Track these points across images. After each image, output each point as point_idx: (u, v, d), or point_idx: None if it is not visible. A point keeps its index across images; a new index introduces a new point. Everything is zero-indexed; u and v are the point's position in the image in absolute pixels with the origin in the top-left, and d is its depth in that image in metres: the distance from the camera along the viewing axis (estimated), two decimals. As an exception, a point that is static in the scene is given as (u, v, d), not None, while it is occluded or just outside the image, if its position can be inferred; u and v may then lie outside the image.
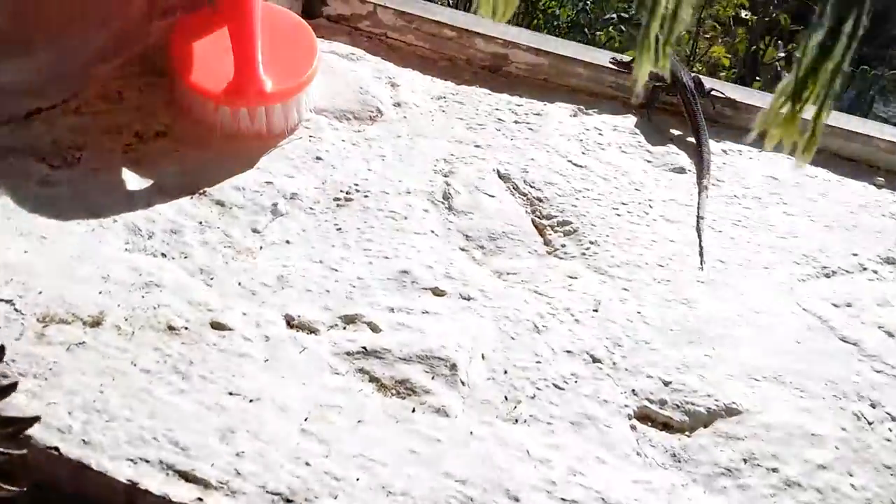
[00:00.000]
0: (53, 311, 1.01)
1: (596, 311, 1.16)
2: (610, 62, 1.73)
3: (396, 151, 1.45)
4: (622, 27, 4.85)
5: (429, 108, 1.59)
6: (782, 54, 5.07)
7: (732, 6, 4.74)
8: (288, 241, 1.20)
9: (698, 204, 1.42)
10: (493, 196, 1.38)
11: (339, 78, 1.59)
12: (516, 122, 1.59)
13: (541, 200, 1.38)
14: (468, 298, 1.15)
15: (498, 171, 1.44)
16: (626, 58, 1.76)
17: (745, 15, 4.83)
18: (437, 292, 1.15)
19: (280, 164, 1.35)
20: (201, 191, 1.25)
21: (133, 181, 1.25)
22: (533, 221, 1.35)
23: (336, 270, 1.15)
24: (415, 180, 1.38)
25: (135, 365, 0.96)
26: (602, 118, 1.64)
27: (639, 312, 1.17)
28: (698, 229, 1.36)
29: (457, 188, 1.37)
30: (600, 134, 1.59)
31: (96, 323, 1.01)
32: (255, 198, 1.26)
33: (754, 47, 4.87)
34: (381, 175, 1.38)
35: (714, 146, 1.58)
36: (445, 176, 1.41)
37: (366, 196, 1.32)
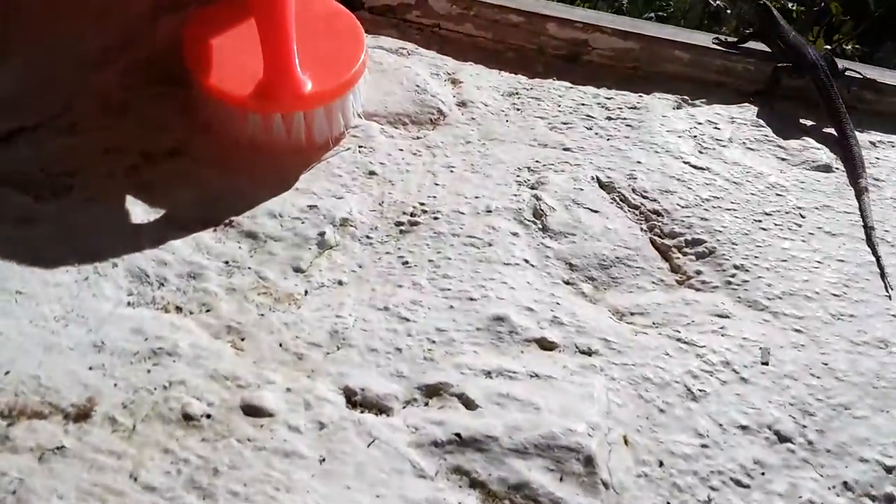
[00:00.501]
0: (24, 401, 0.72)
1: (766, 363, 0.84)
2: (714, 42, 1.41)
3: (468, 161, 1.14)
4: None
5: (500, 107, 1.28)
6: (827, 47, 4.69)
7: None
8: (341, 282, 0.89)
9: (861, 210, 1.09)
10: (596, 211, 1.06)
11: (390, 76, 1.29)
12: (609, 118, 1.27)
13: (659, 214, 1.06)
14: (589, 352, 0.83)
15: (598, 179, 1.12)
16: (731, 38, 1.44)
17: (792, 6, 4.46)
18: (546, 345, 0.84)
19: (325, 182, 1.05)
20: (227, 221, 0.96)
21: (139, 213, 0.96)
22: (653, 242, 1.03)
23: (407, 320, 0.84)
24: (496, 195, 1.07)
25: (135, 479, 0.66)
26: (714, 109, 1.31)
27: (825, 364, 0.85)
28: (871, 244, 1.03)
29: (549, 203, 1.06)
30: (716, 128, 1.26)
31: (83, 415, 0.71)
32: (295, 226, 0.95)
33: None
34: (452, 191, 1.07)
35: (860, 137, 1.25)
36: (533, 188, 1.10)
37: (435, 218, 1.02)
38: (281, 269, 0.89)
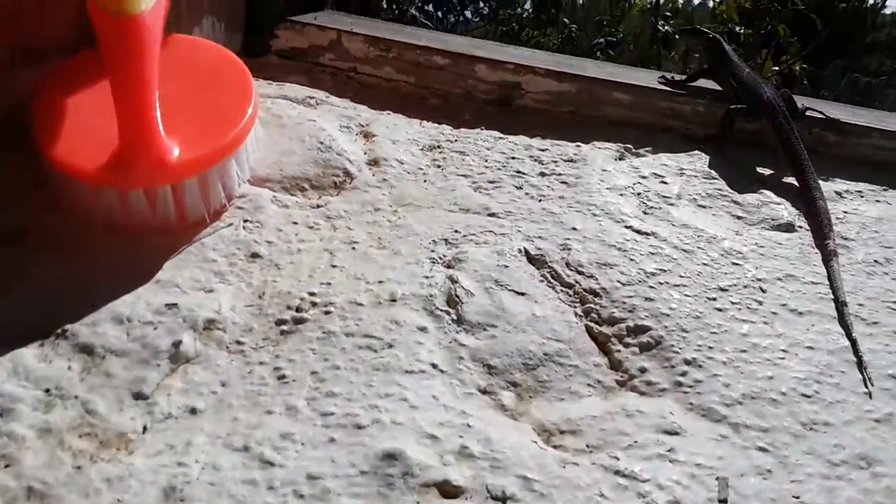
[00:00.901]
0: None
1: (723, 501, 0.66)
2: (660, 82, 1.25)
3: (375, 234, 0.96)
4: (610, 51, 4.43)
5: (418, 165, 1.11)
6: (776, 68, 4.63)
7: (722, 20, 4.29)
8: (194, 410, 0.70)
9: (831, 280, 0.93)
10: (522, 293, 0.88)
11: (291, 132, 1.11)
12: (542, 173, 1.11)
13: (596, 294, 0.89)
14: (503, 499, 0.65)
15: (526, 252, 0.95)
16: (678, 76, 1.28)
17: (739, 30, 4.39)
18: (449, 491, 0.65)
19: (194, 270, 0.86)
20: (60, 330, 0.76)
21: (-53, 324, 0.76)
22: (589, 330, 0.85)
23: (271, 464, 0.65)
24: (404, 278, 0.89)
25: None
26: (661, 159, 1.15)
27: (796, 498, 0.67)
28: (844, 324, 0.86)
29: (467, 286, 0.88)
30: (663, 182, 1.10)
31: None
32: (145, 335, 0.76)
33: (750, 62, 4.41)
34: (352, 274, 0.89)
35: (824, 187, 1.09)
36: (449, 266, 0.92)
37: (327, 312, 0.83)
38: (117, 398, 0.70)
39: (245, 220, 0.96)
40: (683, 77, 1.27)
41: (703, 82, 1.28)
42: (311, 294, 0.85)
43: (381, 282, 0.88)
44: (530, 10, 4.55)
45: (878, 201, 1.09)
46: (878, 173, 1.15)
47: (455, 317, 0.84)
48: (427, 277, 0.89)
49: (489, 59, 1.27)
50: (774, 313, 0.87)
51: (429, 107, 1.28)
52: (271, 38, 1.35)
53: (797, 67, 3.95)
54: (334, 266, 0.90)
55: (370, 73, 1.32)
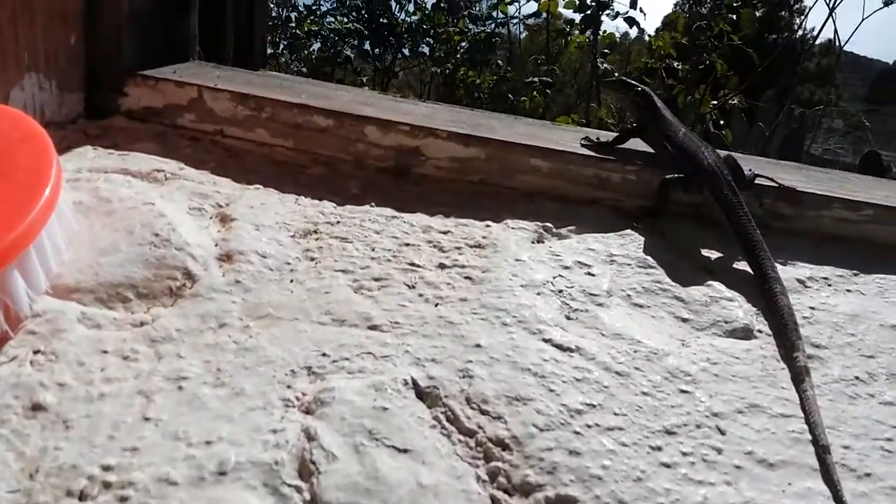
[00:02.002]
0: None
1: None
2: (582, 144, 1.04)
3: (213, 363, 0.71)
4: (547, 91, 4.30)
5: (286, 258, 0.86)
6: (714, 102, 4.58)
7: (659, 55, 4.20)
8: None
9: (805, 412, 0.71)
10: (405, 451, 0.64)
11: (119, 221, 0.86)
12: (442, 265, 0.87)
13: (506, 447, 0.66)
14: None
15: (414, 383, 0.71)
16: (604, 135, 1.07)
17: (676, 65, 4.31)
18: None
19: (-67, 443, 0.60)
20: None
21: None
22: (494, 501, 0.62)
23: None
24: (243, 435, 0.64)
25: None
26: (586, 241, 0.93)
27: None
28: (829, 479, 0.65)
29: (329, 443, 0.63)
30: (590, 273, 0.88)
31: None
32: None
33: (690, 97, 4.33)
34: (169, 431, 0.64)
35: (783, 273, 0.89)
36: (308, 412, 0.67)
37: (123, 499, 0.58)
38: None
39: (35, 352, 0.70)
40: (610, 138, 1.06)
41: (635, 142, 1.08)
42: (106, 468, 0.60)
43: (208, 442, 0.63)
44: (465, 50, 4.40)
45: (848, 290, 0.89)
46: (845, 253, 0.96)
47: (308, 496, 0.59)
48: (275, 432, 0.64)
49: (380, 120, 1.04)
50: (738, 467, 0.65)
51: (309, 178, 1.04)
52: (120, 95, 1.10)
53: (735, 101, 3.87)
54: (147, 419, 0.65)
55: (240, 136, 1.08)
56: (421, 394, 0.70)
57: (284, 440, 0.64)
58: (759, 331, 0.81)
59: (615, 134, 1.08)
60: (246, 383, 0.69)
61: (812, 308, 0.86)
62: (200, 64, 1.19)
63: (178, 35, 1.17)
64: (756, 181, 0.99)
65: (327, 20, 4.78)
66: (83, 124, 1.07)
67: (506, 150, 1.02)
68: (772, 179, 0.99)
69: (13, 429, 0.62)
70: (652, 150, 1.04)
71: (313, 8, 5.07)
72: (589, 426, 0.67)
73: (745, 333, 0.80)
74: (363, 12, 4.96)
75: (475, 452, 0.65)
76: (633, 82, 1.07)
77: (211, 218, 0.91)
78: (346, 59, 4.78)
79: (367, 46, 4.87)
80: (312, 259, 0.86)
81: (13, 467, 0.59)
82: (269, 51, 4.88)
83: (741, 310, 0.83)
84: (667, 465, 0.64)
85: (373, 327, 0.77)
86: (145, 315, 0.76)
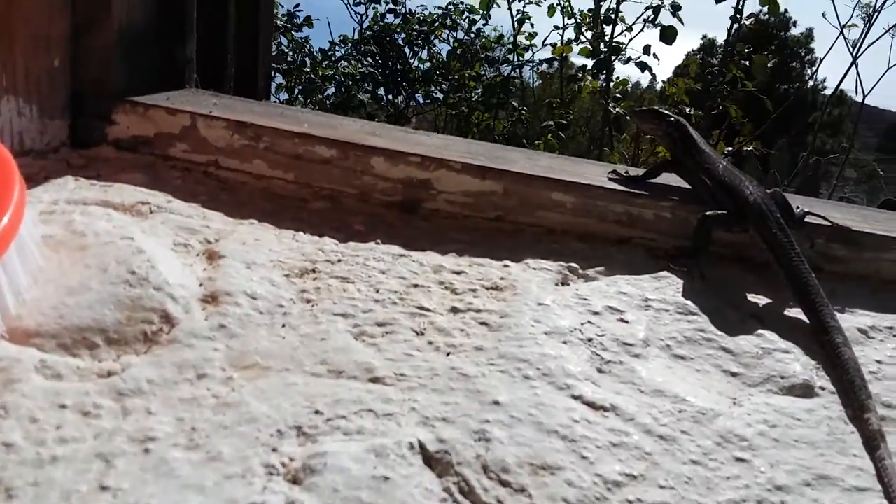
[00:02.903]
0: None
1: None
2: (610, 178, 0.95)
3: (187, 422, 0.61)
4: (560, 133, 4.25)
5: (279, 300, 0.77)
6: (729, 149, 4.51)
7: (672, 102, 4.15)
8: None
9: (884, 484, 0.60)
10: (411, 529, 0.54)
11: (91, 257, 0.77)
12: (455, 309, 0.78)
13: (529, 527, 0.55)
14: None
15: (422, 447, 0.61)
16: (634, 169, 0.98)
17: (690, 111, 4.26)
18: None
19: None
20: None
21: None
22: None
23: None
24: (214, 510, 0.53)
25: None
26: (617, 284, 0.83)
27: None
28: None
29: (319, 521, 0.53)
30: (623, 320, 0.78)
31: None
32: None
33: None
34: (128, 504, 0.53)
35: (842, 322, 0.78)
36: (295, 481, 0.57)
37: (64, 591, 0.47)
38: None
39: (-19, 406, 0.60)
40: (641, 172, 0.97)
41: (667, 177, 0.99)
42: (48, 552, 0.49)
43: (175, 519, 0.52)
44: (479, 94, 4.37)
45: (918, 341, 0.79)
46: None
47: (290, 589, 0.48)
48: (255, 507, 0.54)
49: (389, 150, 0.96)
50: (812, 554, 0.54)
51: (309, 213, 0.95)
52: (107, 123, 1.02)
53: (751, 147, 3.79)
54: (105, 488, 0.55)
55: (235, 167, 1.00)
56: (429, 460, 0.60)
57: (265, 516, 0.53)
58: (822, 388, 0.71)
59: (646, 168, 0.99)
60: (224, 445, 0.59)
61: (879, 362, 0.75)
62: (197, 92, 1.12)
63: (174, 61, 1.10)
64: (806, 219, 0.89)
65: (341, 64, 4.78)
66: (66, 153, 1.00)
67: (526, 184, 0.93)
68: (824, 218, 0.89)
69: (-58, 500, 0.52)
70: (688, 185, 0.95)
71: (328, 53, 5.07)
72: (630, 501, 0.56)
73: (806, 391, 0.70)
74: (377, 58, 4.95)
75: (494, 533, 0.55)
76: (666, 112, 0.98)
77: (197, 255, 0.82)
78: (360, 103, 4.76)
79: (380, 91, 4.85)
80: (308, 301, 0.77)
81: (-64, 547, 0.49)
82: (285, 96, 4.87)
83: (798, 363, 0.73)
84: (726, 553, 0.53)
85: (375, 380, 0.67)
86: (114, 364, 0.67)
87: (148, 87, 1.05)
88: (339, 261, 0.84)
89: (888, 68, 4.06)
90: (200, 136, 1.00)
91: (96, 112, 1.01)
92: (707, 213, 0.86)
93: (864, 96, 4.20)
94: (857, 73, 3.89)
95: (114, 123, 1.02)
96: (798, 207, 0.90)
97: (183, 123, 1.00)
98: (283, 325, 0.73)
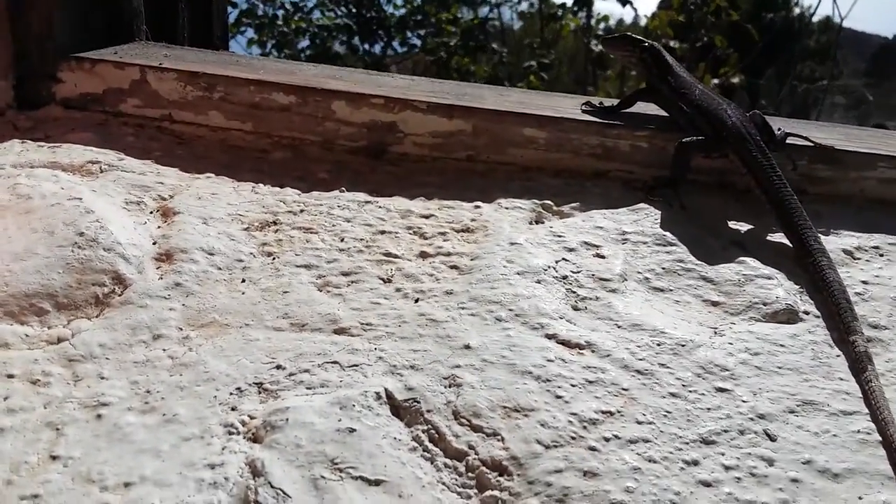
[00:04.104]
0: None
1: None
2: (584, 110, 0.91)
3: (142, 385, 0.59)
4: (543, 74, 4.18)
5: (239, 254, 0.74)
6: (715, 81, 4.45)
7: (655, 36, 4.08)
8: None
9: (870, 407, 0.58)
10: (377, 482, 0.52)
11: (37, 220, 0.74)
12: (424, 253, 0.75)
13: (504, 471, 0.53)
14: None
15: (389, 396, 0.59)
16: (608, 100, 0.95)
17: (674, 44, 4.19)
18: None
19: None
20: None
21: None
22: (491, 545, 0.49)
23: None
24: (171, 472, 0.52)
25: None
26: (593, 219, 0.81)
27: None
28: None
29: (280, 479, 0.51)
30: (599, 255, 0.75)
31: None
32: None
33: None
34: (80, 472, 0.51)
35: (827, 244, 0.76)
36: (255, 440, 0.55)
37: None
38: None
39: (-78, 380, 0.57)
40: (615, 102, 0.94)
41: (644, 106, 0.95)
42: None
43: (128, 484, 0.51)
44: (458, 38, 4.29)
45: (904, 261, 0.76)
46: (895, 216, 0.83)
47: (251, 549, 0.47)
48: (213, 468, 0.52)
49: (350, 93, 0.92)
50: (796, 481, 0.52)
51: (269, 164, 0.92)
52: (54, 82, 0.98)
53: (736, 80, 3.74)
54: (55, 457, 0.53)
55: (190, 121, 0.96)
56: (397, 409, 0.58)
57: (224, 477, 0.51)
58: (806, 312, 0.69)
59: (620, 98, 0.96)
60: (181, 407, 0.57)
61: (864, 282, 0.73)
62: (146, 44, 1.07)
63: (120, 13, 1.05)
64: (787, 140, 0.86)
65: (315, 16, 4.67)
66: (12, 116, 0.96)
67: (496, 121, 0.90)
68: (806, 138, 0.86)
69: None
70: (665, 113, 0.92)
71: (300, 5, 4.96)
72: (607, 439, 0.55)
73: (789, 316, 0.68)
74: (351, 7, 4.85)
75: (466, 480, 0.53)
76: (639, 37, 0.95)
77: (151, 212, 0.79)
78: (336, 55, 4.67)
79: (356, 41, 4.75)
80: (269, 254, 0.74)
81: None
82: (258, 51, 4.77)
83: (781, 288, 0.71)
84: (706, 484, 0.52)
85: (339, 331, 0.65)
86: (64, 329, 0.64)
87: (95, 43, 1.01)
88: (302, 211, 0.81)
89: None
90: (151, 90, 0.96)
91: (41, 71, 0.97)
92: (684, 139, 0.83)
93: (842, 19, 4.13)
94: (834, -2, 3.82)
95: (60, 82, 0.98)
96: (779, 129, 0.87)
97: (132, 77, 0.96)
98: (243, 280, 0.71)
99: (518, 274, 0.71)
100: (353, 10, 4.77)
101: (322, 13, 4.83)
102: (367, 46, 5.00)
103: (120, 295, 0.68)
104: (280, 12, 4.90)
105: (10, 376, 0.59)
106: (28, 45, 0.97)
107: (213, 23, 1.27)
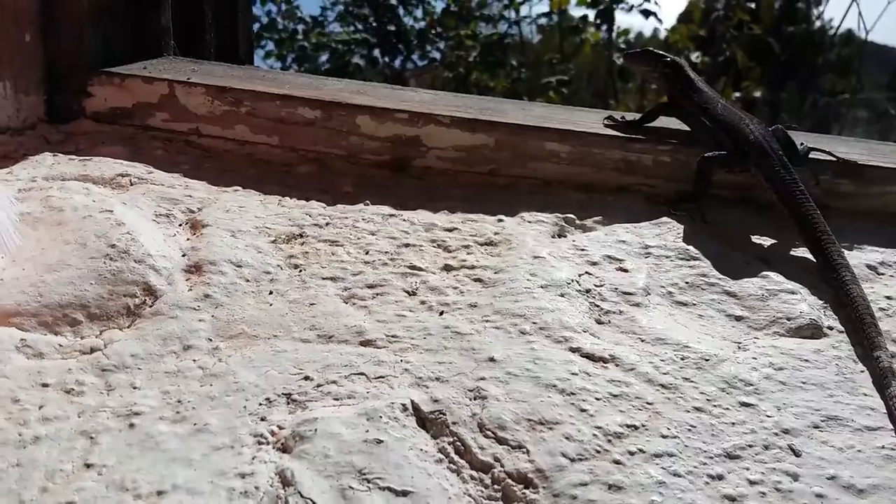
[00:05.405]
0: None
1: None
2: (606, 124, 0.92)
3: (173, 395, 0.60)
4: (563, 89, 4.18)
5: (266, 268, 0.75)
6: (737, 94, 4.44)
7: (677, 51, 4.08)
8: None
9: (897, 422, 0.59)
10: (404, 493, 0.53)
11: (70, 232, 0.75)
12: (448, 266, 0.76)
13: (529, 483, 0.54)
14: None
15: (415, 408, 0.60)
16: (631, 114, 0.96)
17: (696, 57, 4.19)
18: None
19: None
20: None
21: None
22: (517, 557, 0.50)
23: None
24: (203, 482, 0.53)
25: None
26: (616, 233, 0.81)
27: None
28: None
29: (308, 488, 0.52)
30: (622, 269, 0.76)
31: None
32: None
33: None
34: (114, 480, 0.53)
35: (850, 259, 0.76)
36: (284, 450, 0.56)
37: (50, 571, 0.46)
38: None
39: (-40, 389, 0.59)
40: (637, 116, 0.95)
41: (665, 121, 0.96)
42: (31, 534, 0.48)
43: (161, 492, 0.52)
44: (477, 54, 4.31)
45: (929, 276, 0.76)
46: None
47: (281, 558, 0.48)
48: (243, 477, 0.53)
49: (375, 108, 0.93)
50: (820, 496, 0.52)
51: (295, 177, 0.93)
52: (84, 96, 1.00)
53: (758, 94, 3.73)
54: (89, 465, 0.54)
55: (218, 134, 0.98)
56: (423, 421, 0.59)
57: (254, 486, 0.52)
58: (830, 327, 0.69)
59: (642, 112, 0.96)
60: (211, 417, 0.58)
61: (889, 298, 0.73)
62: (175, 59, 1.09)
63: (149, 29, 1.07)
64: (810, 155, 0.86)
65: (334, 29, 4.71)
66: (44, 129, 0.98)
67: (518, 135, 0.91)
68: (829, 153, 0.87)
69: (-77, 485, 0.51)
70: (687, 128, 0.92)
71: (320, 20, 5.01)
72: (631, 453, 0.55)
73: (813, 331, 0.68)
74: (370, 21, 4.89)
75: (491, 492, 0.54)
76: (661, 52, 0.95)
77: (180, 225, 0.80)
78: (356, 68, 4.71)
79: (376, 54, 4.79)
80: (296, 266, 0.75)
81: (-81, 533, 0.48)
82: (278, 65, 4.82)
83: (805, 303, 0.71)
84: (731, 499, 0.52)
85: (366, 343, 0.66)
86: (97, 339, 0.65)
87: (124, 58, 1.03)
88: (328, 224, 0.83)
89: (888, 2, 3.96)
90: (180, 105, 0.98)
91: (72, 85, 0.99)
92: (707, 154, 0.83)
93: (867, 33, 4.11)
94: (859, 9, 3.80)
95: (91, 96, 1.00)
96: (802, 144, 0.87)
97: (161, 92, 0.98)
98: (271, 292, 0.72)
99: (541, 287, 0.72)
100: (373, 24, 4.81)
101: (342, 27, 4.87)
102: (386, 59, 5.03)
103: (151, 306, 0.69)
104: (300, 27, 4.95)
105: (45, 385, 0.61)
106: (59, 61, 0.99)
107: (238, 38, 1.30)
